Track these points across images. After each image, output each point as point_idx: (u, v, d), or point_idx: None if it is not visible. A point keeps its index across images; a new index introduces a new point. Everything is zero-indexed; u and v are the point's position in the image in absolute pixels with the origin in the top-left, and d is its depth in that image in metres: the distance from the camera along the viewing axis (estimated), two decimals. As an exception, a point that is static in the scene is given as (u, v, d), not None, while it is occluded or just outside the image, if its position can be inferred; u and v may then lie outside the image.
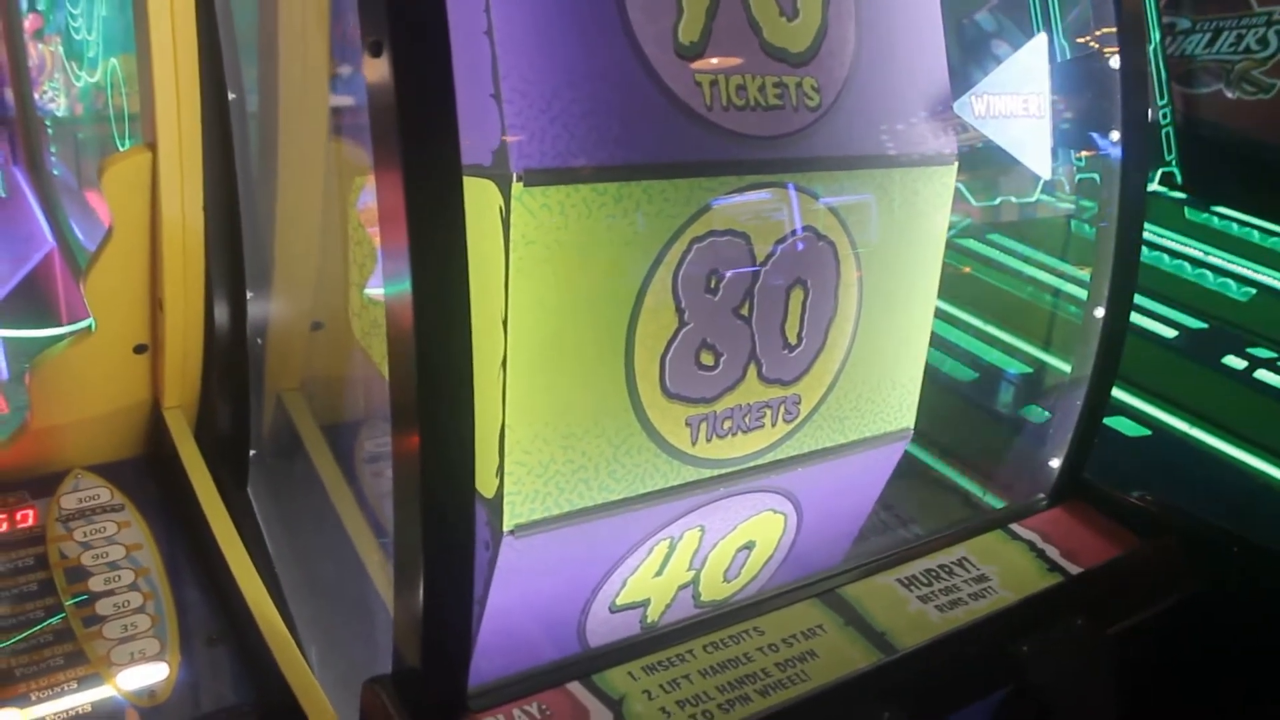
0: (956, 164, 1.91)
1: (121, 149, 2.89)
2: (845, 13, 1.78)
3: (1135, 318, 4.98)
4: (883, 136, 1.81)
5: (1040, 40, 2.17)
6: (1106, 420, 3.99)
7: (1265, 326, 5.03)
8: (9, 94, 4.71)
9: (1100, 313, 2.27)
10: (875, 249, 1.85)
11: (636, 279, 1.60)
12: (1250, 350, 4.69)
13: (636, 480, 1.70)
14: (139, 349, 2.26)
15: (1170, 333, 4.85)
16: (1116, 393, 4.40)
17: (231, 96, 2.11)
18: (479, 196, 1.51)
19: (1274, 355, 4.67)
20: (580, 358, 1.59)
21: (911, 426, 2.07)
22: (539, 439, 1.59)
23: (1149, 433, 4.05)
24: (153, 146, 2.08)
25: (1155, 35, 6.75)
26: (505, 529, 1.60)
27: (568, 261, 1.54)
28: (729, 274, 1.68)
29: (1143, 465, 3.77)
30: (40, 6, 4.48)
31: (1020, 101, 2.10)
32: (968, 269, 4.88)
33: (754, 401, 1.78)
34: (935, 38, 1.92)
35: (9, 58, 4.65)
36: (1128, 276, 2.27)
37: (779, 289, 1.74)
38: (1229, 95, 6.71)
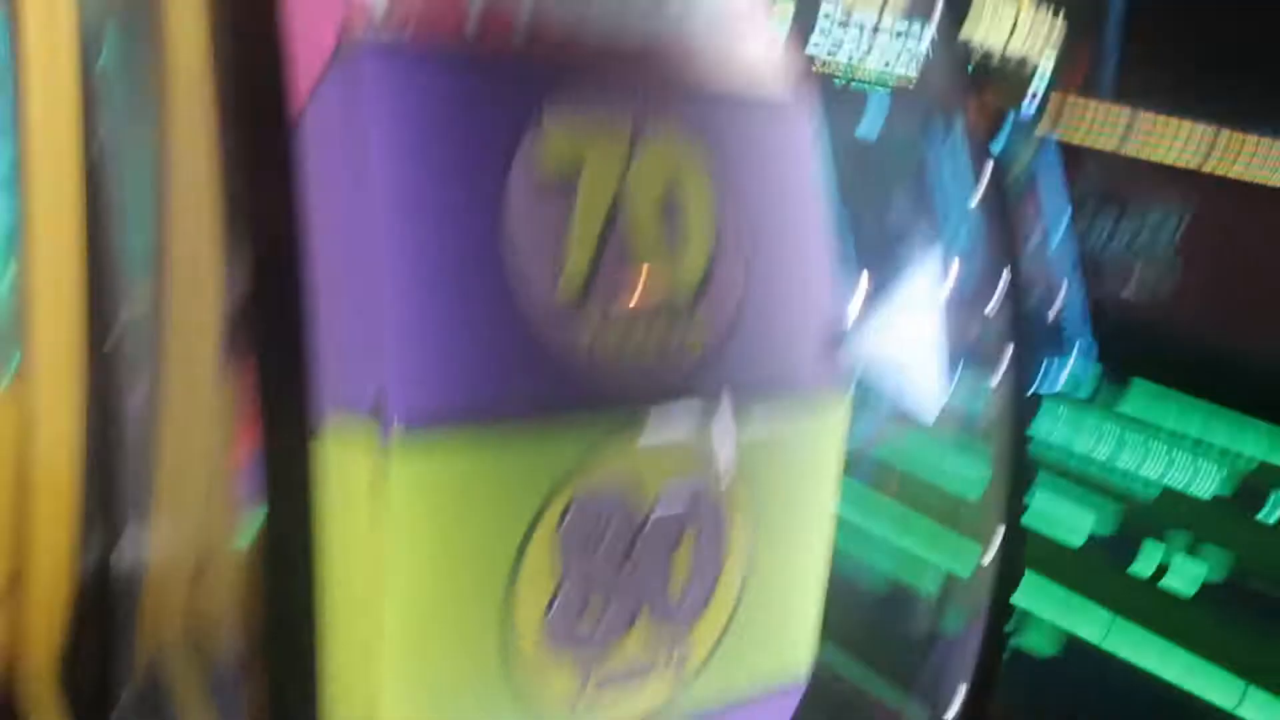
0: (850, 396, 1.89)
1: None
2: (733, 251, 1.78)
3: (1045, 524, 5.01)
4: (772, 374, 1.80)
5: (924, 279, 2.20)
6: (1017, 642, 3.98)
7: (1180, 516, 5.07)
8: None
9: (997, 542, 2.25)
10: (767, 489, 1.81)
11: (516, 534, 1.54)
12: (1159, 544, 4.70)
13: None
14: None
15: (1081, 528, 4.85)
16: (1032, 606, 4.38)
17: (116, 325, 2.06)
18: (354, 448, 1.46)
19: (1186, 551, 4.69)
20: (455, 618, 1.52)
21: (804, 675, 2.00)
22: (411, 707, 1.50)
23: (1059, 652, 4.01)
24: (26, 380, 2.01)
25: (1062, 222, 7.01)
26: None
27: (447, 517, 1.48)
28: (612, 526, 1.63)
29: (1063, 684, 3.74)
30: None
31: (912, 327, 2.11)
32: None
33: (640, 658, 1.71)
34: (824, 270, 1.92)
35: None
36: (1019, 496, 2.27)
37: (666, 538, 1.69)
38: (1136, 280, 6.94)
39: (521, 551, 1.54)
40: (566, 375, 1.57)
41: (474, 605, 1.53)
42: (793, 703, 1.99)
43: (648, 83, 1.73)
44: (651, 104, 1.71)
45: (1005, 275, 2.35)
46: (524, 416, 1.53)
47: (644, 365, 1.65)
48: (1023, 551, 2.40)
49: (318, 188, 1.54)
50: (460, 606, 1.52)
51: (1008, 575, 2.35)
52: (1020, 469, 2.32)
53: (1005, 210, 2.41)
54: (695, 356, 1.70)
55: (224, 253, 1.46)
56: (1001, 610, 2.39)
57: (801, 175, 1.94)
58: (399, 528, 1.46)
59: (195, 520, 2.28)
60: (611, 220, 1.63)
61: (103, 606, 2.11)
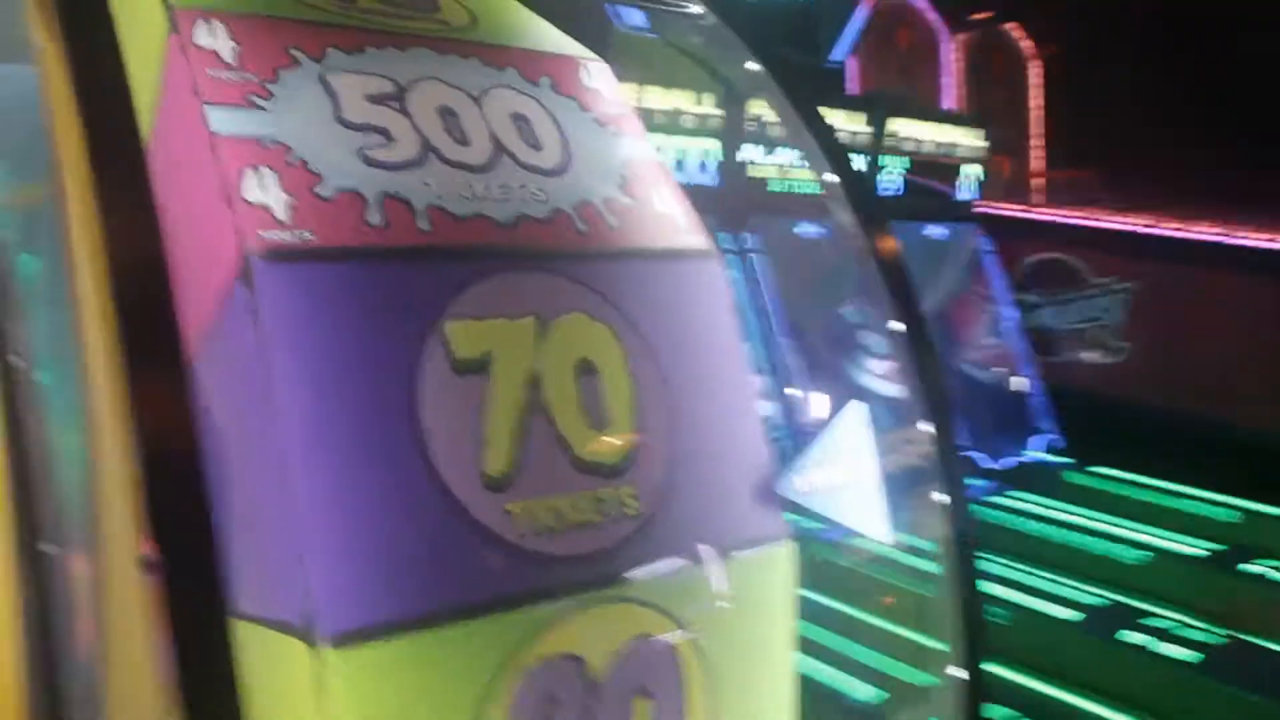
0: (792, 543, 1.88)
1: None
2: (659, 414, 1.78)
3: (1027, 599, 4.99)
4: (711, 533, 1.78)
5: (858, 406, 2.21)
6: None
7: (1162, 591, 5.05)
8: None
9: (951, 670, 2.23)
10: (722, 645, 1.79)
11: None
12: (1145, 621, 4.68)
13: None
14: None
15: (1066, 612, 4.82)
16: (1030, 685, 4.35)
17: (47, 549, 2.02)
18: (289, 657, 1.43)
19: (1174, 624, 4.67)
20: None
21: None
22: None
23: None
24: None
25: (1010, 312, 7.10)
26: None
27: (388, 711, 1.44)
28: (565, 699, 1.59)
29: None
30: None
31: (845, 471, 2.11)
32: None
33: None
34: (751, 418, 1.92)
35: None
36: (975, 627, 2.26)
37: (621, 704, 1.65)
38: (1087, 360, 7.03)
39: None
40: (500, 562, 1.55)
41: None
42: None
43: (550, 256, 1.75)
44: (557, 280, 1.74)
45: (930, 380, 2.38)
46: (460, 609, 1.50)
47: (579, 539, 1.63)
48: (983, 648, 2.39)
49: (228, 396, 1.54)
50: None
51: (974, 677, 2.34)
52: (967, 567, 2.32)
53: (920, 320, 2.44)
54: (630, 524, 1.69)
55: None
56: (974, 702, 2.37)
57: (718, 323, 1.95)
58: None
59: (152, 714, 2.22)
60: (529, 401, 1.63)
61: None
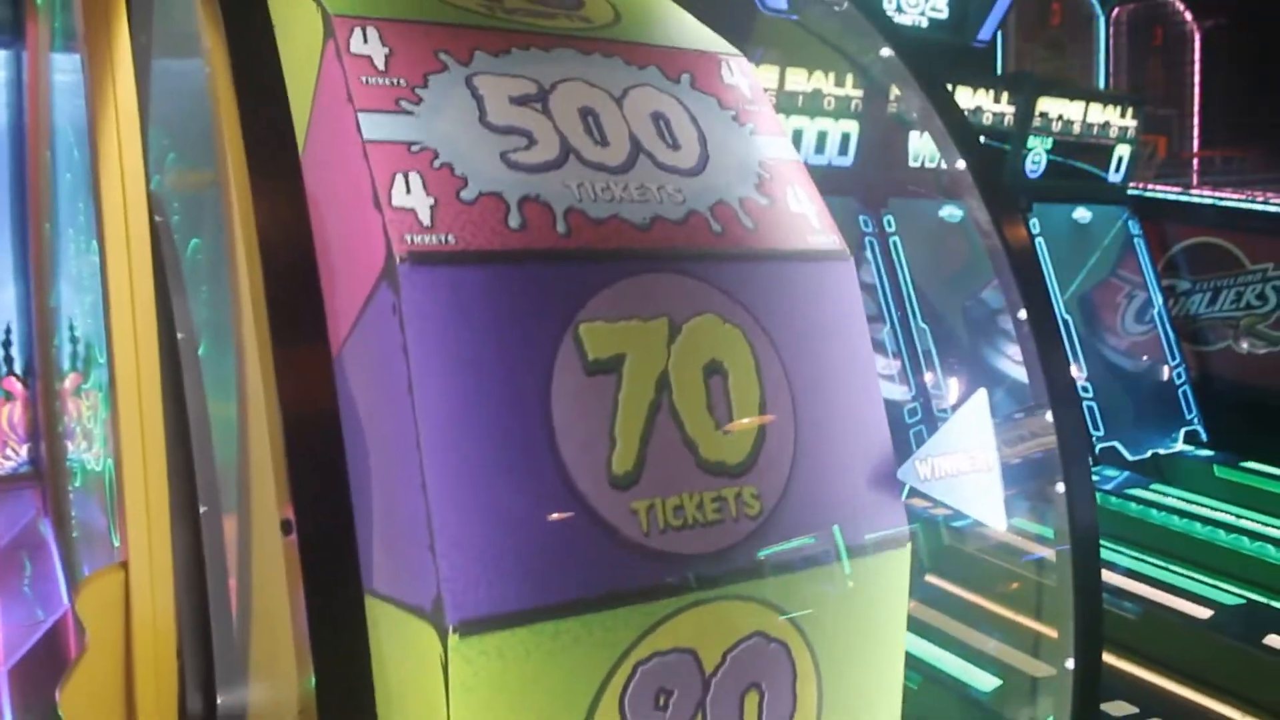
0: (910, 546, 1.90)
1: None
2: (784, 414, 1.81)
3: (1167, 598, 4.86)
4: (829, 532, 1.82)
5: (981, 395, 2.21)
6: (1146, 724, 3.84)
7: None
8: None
9: (1070, 664, 2.22)
10: (834, 642, 1.82)
11: (580, 711, 1.57)
12: (1288, 624, 4.52)
13: None
14: (114, 753, 2.23)
15: (1205, 613, 4.69)
16: (1157, 682, 4.25)
17: (203, 509, 2.16)
18: (419, 639, 1.53)
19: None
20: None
21: None
22: None
23: (1192, 732, 3.86)
24: (125, 565, 2.12)
25: (1158, 298, 6.87)
26: None
27: (510, 702, 1.53)
28: (677, 691, 1.65)
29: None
30: (80, 366, 4.68)
31: (966, 459, 2.11)
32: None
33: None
34: (875, 417, 1.94)
35: (43, 416, 4.83)
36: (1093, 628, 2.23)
37: (732, 697, 1.71)
38: (1239, 350, 6.76)
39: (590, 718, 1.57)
40: (623, 557, 1.62)
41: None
42: None
43: (684, 257, 1.80)
44: (689, 282, 1.78)
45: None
46: (581, 603, 1.58)
47: (701, 537, 1.68)
48: (1100, 639, 2.37)
49: (371, 389, 1.63)
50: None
51: (1090, 670, 2.32)
52: (1089, 559, 2.30)
53: (1047, 309, 2.42)
54: (751, 523, 1.74)
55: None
56: (1089, 696, 2.35)
57: (845, 324, 1.98)
58: (464, 707, 1.51)
59: (292, 672, 2.36)
60: (658, 402, 1.69)
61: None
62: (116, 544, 3.27)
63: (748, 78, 2.16)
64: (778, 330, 1.84)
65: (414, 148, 1.69)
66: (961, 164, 2.48)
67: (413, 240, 1.59)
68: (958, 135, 2.52)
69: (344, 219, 1.69)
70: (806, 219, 1.99)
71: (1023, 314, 2.36)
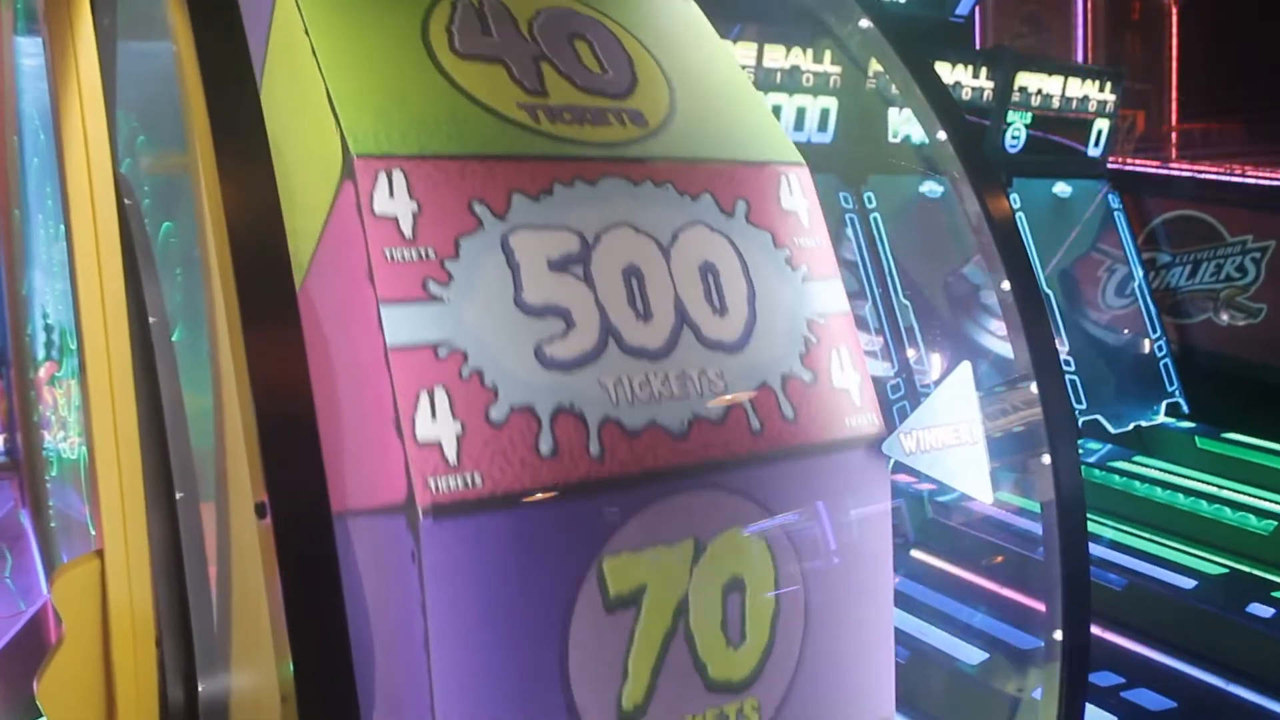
0: None
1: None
2: (791, 626, 1.77)
3: (1151, 569, 4.89)
4: None
5: (965, 368, 2.20)
6: (1127, 694, 3.86)
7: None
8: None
9: (1059, 635, 2.21)
10: None
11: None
12: (1276, 594, 4.55)
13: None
14: (96, 748, 2.21)
15: (1189, 583, 4.71)
16: (1140, 651, 4.27)
17: (180, 495, 2.14)
18: None
19: (1294, 594, 4.53)
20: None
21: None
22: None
23: (1175, 704, 3.87)
24: (101, 553, 2.09)
25: (1139, 271, 6.89)
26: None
27: None
28: None
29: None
30: (55, 354, 4.64)
31: (951, 432, 2.10)
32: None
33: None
34: (883, 645, 1.89)
35: (18, 406, 4.78)
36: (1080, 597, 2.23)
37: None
38: (1220, 322, 6.78)
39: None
40: None
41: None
42: None
43: (718, 468, 1.70)
44: (720, 495, 1.69)
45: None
46: None
47: None
48: (1088, 610, 2.37)
49: (381, 613, 1.59)
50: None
51: (1077, 643, 2.32)
52: (1076, 528, 2.31)
53: (1031, 281, 2.41)
54: None
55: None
56: (1077, 675, 2.35)
57: (870, 522, 1.91)
58: None
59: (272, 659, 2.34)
60: (674, 629, 1.63)
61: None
62: (94, 533, 3.24)
63: (807, 198, 2.02)
64: (801, 531, 1.79)
65: (441, 350, 1.55)
66: (942, 134, 2.46)
67: (437, 487, 1.50)
68: (938, 105, 2.50)
69: (355, 385, 1.61)
70: (849, 395, 1.90)
71: (1006, 285, 2.35)
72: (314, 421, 1.51)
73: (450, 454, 1.51)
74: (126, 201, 2.31)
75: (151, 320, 2.24)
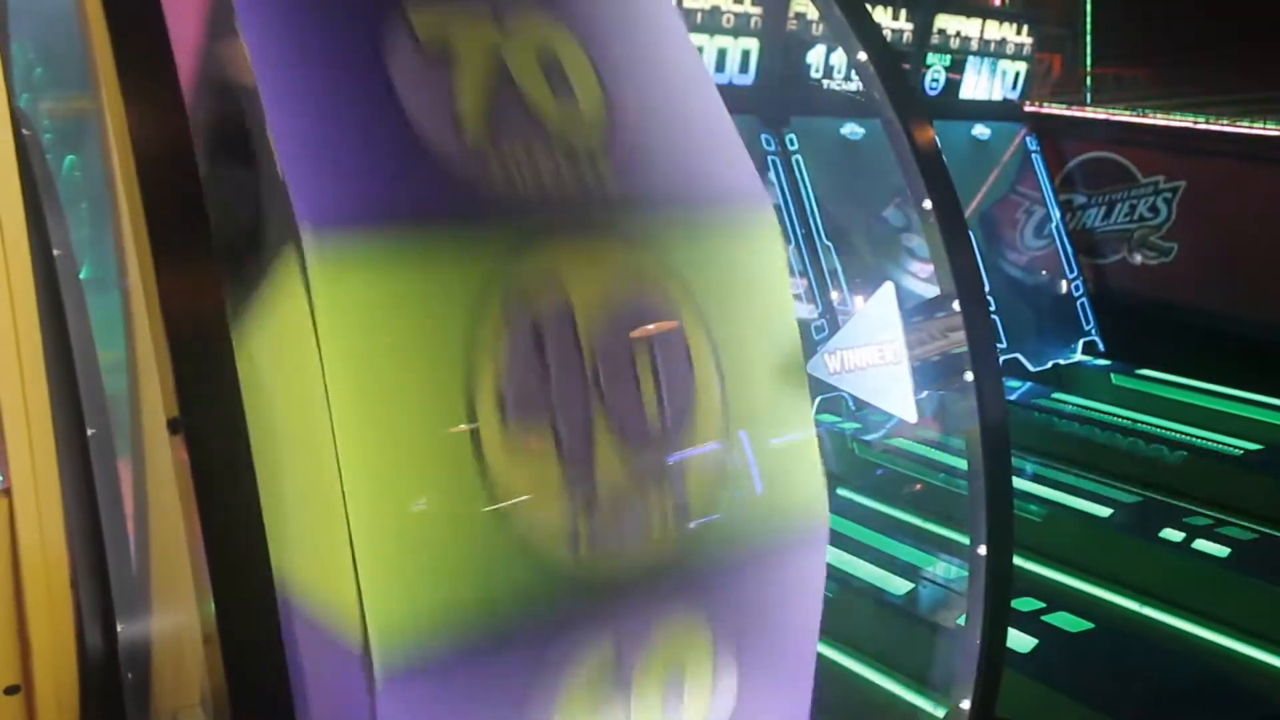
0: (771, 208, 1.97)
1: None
2: (626, 96, 1.89)
3: (1069, 498, 5.01)
4: (689, 184, 1.91)
5: (888, 288, 2.20)
6: (1047, 618, 3.96)
7: (1199, 489, 5.05)
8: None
9: (983, 550, 2.24)
10: (719, 304, 1.86)
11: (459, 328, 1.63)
12: (1187, 520, 4.68)
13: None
14: (10, 690, 2.15)
15: (1105, 511, 4.83)
16: (1059, 579, 4.39)
17: (91, 432, 2.08)
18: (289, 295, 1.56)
19: (1210, 521, 4.67)
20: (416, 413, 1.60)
21: (824, 527, 1.93)
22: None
23: (1092, 625, 3.98)
24: (8, 492, 2.03)
25: (1055, 213, 7.00)
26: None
27: (379, 324, 1.61)
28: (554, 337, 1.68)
29: (1092, 660, 3.70)
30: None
31: (875, 352, 2.11)
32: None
33: (625, 486, 1.71)
34: (712, 98, 1.99)
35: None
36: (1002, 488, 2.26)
37: (619, 346, 1.74)
38: (1133, 261, 6.92)
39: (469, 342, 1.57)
40: (479, 189, 1.63)
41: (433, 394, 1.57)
42: (818, 558, 1.95)
43: None
44: None
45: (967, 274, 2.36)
46: (436, 219, 1.59)
47: (561, 190, 1.70)
48: (1011, 539, 2.40)
49: None
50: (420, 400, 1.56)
51: (1000, 563, 2.35)
52: (999, 460, 2.33)
53: (954, 204, 2.42)
54: (610, 183, 1.76)
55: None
56: (1000, 597, 2.38)
57: (668, 22, 2.02)
58: (336, 341, 1.51)
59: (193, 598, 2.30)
60: (497, 84, 1.70)
61: (112, 690, 2.13)
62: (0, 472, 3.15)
63: None
64: (606, 29, 1.88)
65: None
66: (863, 55, 2.44)
67: None
68: (857, 26, 2.48)
69: None
70: None
71: (928, 203, 2.35)
72: (228, 335, 1.47)
73: None
74: (25, 133, 2.23)
75: (56, 253, 2.17)
